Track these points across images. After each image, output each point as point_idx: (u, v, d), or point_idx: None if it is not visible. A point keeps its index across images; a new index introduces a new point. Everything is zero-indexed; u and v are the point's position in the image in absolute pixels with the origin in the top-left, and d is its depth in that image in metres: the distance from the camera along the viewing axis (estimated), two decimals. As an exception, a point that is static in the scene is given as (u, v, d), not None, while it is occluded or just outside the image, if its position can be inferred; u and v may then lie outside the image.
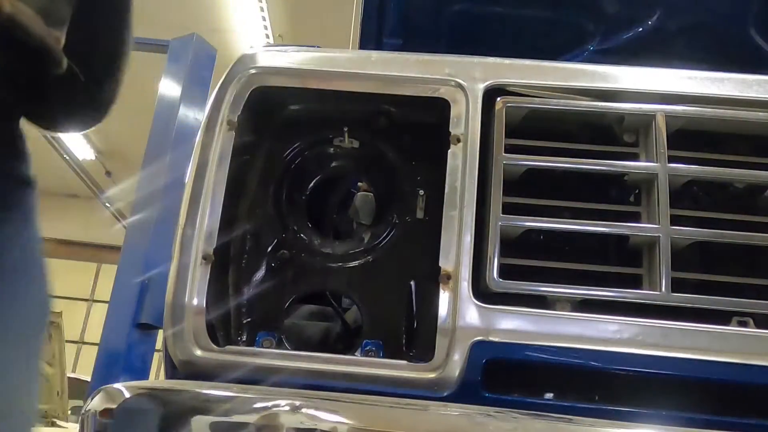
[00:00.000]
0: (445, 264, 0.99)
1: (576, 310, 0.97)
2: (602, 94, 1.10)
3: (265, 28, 8.77)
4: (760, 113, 1.07)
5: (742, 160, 1.06)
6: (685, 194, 1.07)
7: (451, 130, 1.07)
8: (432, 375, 0.94)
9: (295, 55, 1.15)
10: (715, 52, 1.90)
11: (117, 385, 0.91)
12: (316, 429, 0.81)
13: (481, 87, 1.09)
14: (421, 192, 1.15)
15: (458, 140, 1.06)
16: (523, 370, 0.97)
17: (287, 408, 0.83)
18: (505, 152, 1.05)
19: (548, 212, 1.04)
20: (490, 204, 1.01)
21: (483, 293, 0.98)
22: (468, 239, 1.00)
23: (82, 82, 1.12)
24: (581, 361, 0.95)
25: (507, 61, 1.13)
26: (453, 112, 1.08)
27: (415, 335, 1.05)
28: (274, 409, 0.83)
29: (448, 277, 0.98)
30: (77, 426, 0.97)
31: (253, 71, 1.13)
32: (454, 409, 0.87)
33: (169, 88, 4.73)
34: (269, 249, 1.11)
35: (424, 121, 1.15)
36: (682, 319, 0.96)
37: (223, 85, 1.13)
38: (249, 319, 1.11)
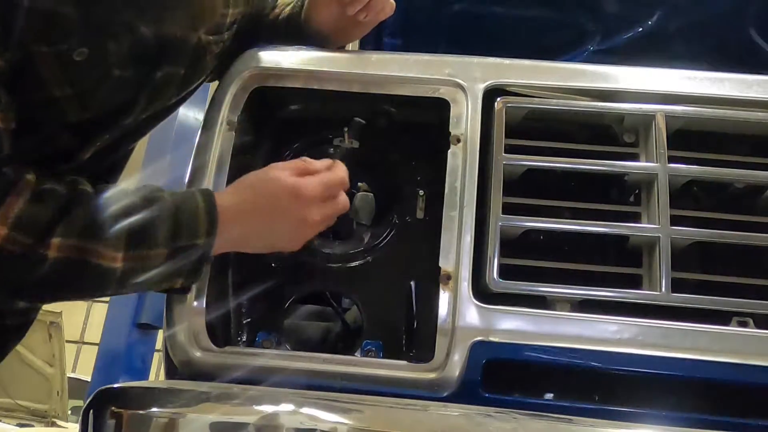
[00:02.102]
0: (445, 264, 0.99)
1: (576, 310, 0.97)
2: (602, 94, 1.10)
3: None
4: (760, 113, 1.07)
5: (742, 160, 1.06)
6: (685, 194, 1.07)
7: (451, 130, 1.07)
8: (432, 375, 0.94)
9: (295, 55, 1.15)
10: (715, 52, 1.90)
11: (116, 385, 0.91)
12: (316, 429, 0.81)
13: (481, 87, 1.09)
14: (421, 192, 1.15)
15: (458, 140, 1.06)
16: (523, 370, 0.97)
17: (287, 408, 0.83)
18: (505, 152, 1.04)
19: (548, 212, 1.04)
20: (490, 204, 1.01)
21: (483, 293, 0.98)
22: (468, 239, 1.00)
23: None
24: (581, 361, 0.95)
25: (507, 61, 1.13)
26: (453, 112, 1.08)
27: (415, 335, 1.05)
28: (274, 409, 0.83)
29: (448, 277, 0.98)
30: (77, 426, 0.96)
31: (253, 71, 1.13)
32: (454, 409, 0.87)
33: (169, 88, 4.70)
34: (269, 249, 1.11)
35: (424, 121, 1.15)
36: (682, 319, 0.96)
37: (223, 85, 1.13)
38: (249, 319, 1.11)
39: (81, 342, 13.59)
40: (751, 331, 0.96)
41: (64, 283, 0.88)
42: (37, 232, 0.82)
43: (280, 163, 1.01)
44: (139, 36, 0.95)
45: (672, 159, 1.03)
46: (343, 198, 1.03)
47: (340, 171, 1.02)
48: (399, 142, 1.18)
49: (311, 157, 1.06)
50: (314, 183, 0.99)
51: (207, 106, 1.13)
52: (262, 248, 1.04)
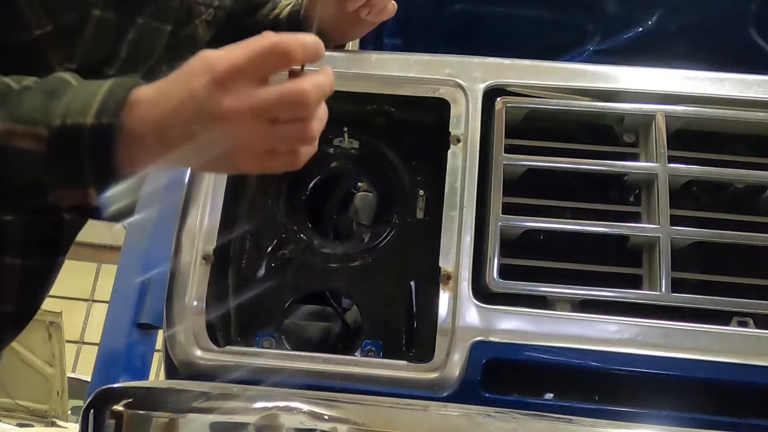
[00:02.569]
0: (445, 264, 0.99)
1: (576, 310, 0.97)
2: (602, 94, 1.10)
3: (265, 28, 8.74)
4: (760, 113, 1.07)
5: (742, 160, 1.06)
6: (685, 194, 1.07)
7: (451, 130, 1.07)
8: (432, 375, 0.94)
9: (295, 55, 1.15)
10: (715, 52, 1.90)
11: (116, 385, 0.91)
12: (316, 429, 0.81)
13: (481, 87, 1.09)
14: (421, 192, 1.15)
15: (458, 140, 1.06)
16: (523, 370, 0.97)
17: (287, 408, 0.83)
18: (505, 152, 1.04)
19: (548, 212, 1.04)
20: (490, 204, 1.01)
21: (483, 293, 0.98)
22: (468, 239, 1.00)
23: None
24: (581, 361, 0.95)
25: (507, 61, 1.13)
26: (453, 112, 1.08)
27: (415, 335, 1.05)
28: (274, 409, 0.83)
29: (448, 277, 0.98)
30: (77, 426, 0.96)
31: (253, 71, 1.13)
32: (454, 409, 0.87)
33: (169, 87, 4.69)
34: (269, 249, 1.11)
35: (424, 121, 1.15)
36: (682, 319, 0.96)
37: (223, 85, 1.13)
38: (249, 319, 1.11)
39: (81, 342, 13.59)
40: (751, 331, 0.96)
41: None
42: None
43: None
44: None
45: (672, 159, 1.03)
46: (314, 121, 0.75)
47: (303, 44, 0.73)
48: (399, 142, 1.18)
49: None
50: (237, 52, 0.70)
51: (207, 106, 1.13)
52: (193, 157, 0.76)
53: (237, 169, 0.82)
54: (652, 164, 1.04)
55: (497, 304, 0.96)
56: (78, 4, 0.91)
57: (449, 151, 1.06)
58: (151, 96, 0.72)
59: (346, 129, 1.15)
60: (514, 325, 0.96)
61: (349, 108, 1.14)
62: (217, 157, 0.74)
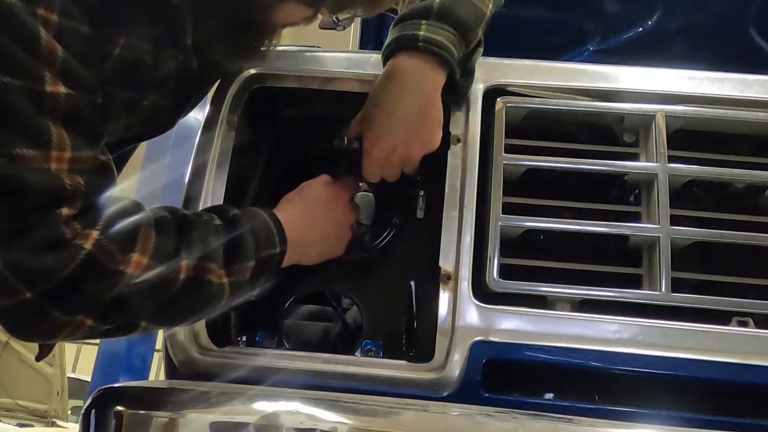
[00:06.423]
0: (445, 264, 0.99)
1: (576, 310, 0.97)
2: (602, 94, 1.10)
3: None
4: (760, 113, 1.07)
5: (742, 160, 1.06)
6: (685, 194, 1.07)
7: (451, 130, 1.07)
8: (432, 375, 0.94)
9: (295, 55, 1.15)
10: (715, 52, 1.90)
11: (117, 385, 0.91)
12: (316, 429, 0.81)
13: (481, 87, 1.09)
14: (421, 192, 1.15)
15: (458, 140, 1.06)
16: (523, 370, 0.97)
17: (287, 408, 0.83)
18: (505, 152, 1.05)
19: (548, 212, 1.04)
20: (490, 204, 1.01)
21: (483, 293, 0.98)
22: (468, 239, 1.00)
23: None
24: (581, 361, 0.95)
25: (507, 61, 1.13)
26: (453, 112, 1.08)
27: (415, 335, 1.05)
28: (275, 408, 0.83)
29: (448, 277, 0.98)
30: (77, 426, 0.96)
31: (253, 71, 1.13)
32: (454, 409, 0.87)
33: (169, 87, 4.69)
34: (269, 249, 1.11)
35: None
36: (682, 319, 0.96)
37: (223, 85, 1.13)
38: (249, 319, 1.11)
39: (81, 342, 13.59)
40: (751, 331, 0.96)
41: (190, 304, 0.90)
42: (169, 257, 0.86)
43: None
44: (188, 70, 0.99)
45: (672, 159, 1.04)
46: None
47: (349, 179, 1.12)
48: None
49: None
50: (340, 181, 1.10)
51: (207, 106, 1.13)
52: (315, 254, 1.06)
53: (335, 254, 1.09)
54: (652, 164, 1.04)
55: (497, 304, 0.96)
56: (152, 106, 0.96)
57: (449, 151, 1.06)
58: (287, 219, 0.99)
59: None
60: (514, 325, 0.96)
61: (349, 108, 1.14)
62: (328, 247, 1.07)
